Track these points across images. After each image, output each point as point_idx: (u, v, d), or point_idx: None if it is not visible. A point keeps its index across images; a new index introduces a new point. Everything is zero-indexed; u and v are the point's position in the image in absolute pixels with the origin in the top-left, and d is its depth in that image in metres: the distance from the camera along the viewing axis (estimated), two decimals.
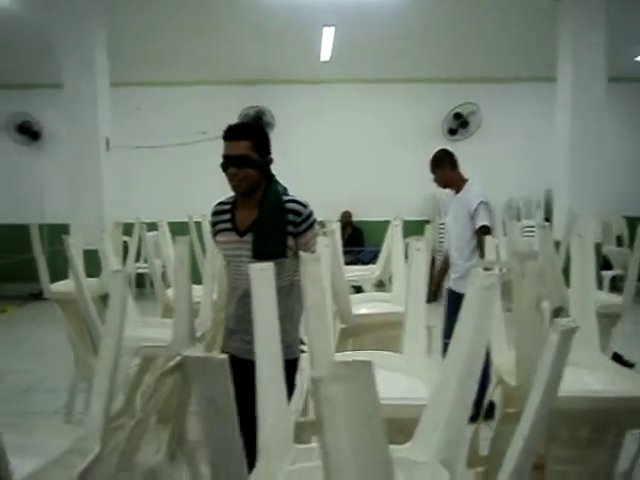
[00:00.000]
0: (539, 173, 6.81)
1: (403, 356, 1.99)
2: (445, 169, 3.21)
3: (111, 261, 2.67)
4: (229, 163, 1.87)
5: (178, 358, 2.20)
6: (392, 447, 1.34)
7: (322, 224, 3.59)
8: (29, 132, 7.17)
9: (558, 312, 2.68)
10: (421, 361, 1.89)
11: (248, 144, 1.86)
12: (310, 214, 1.93)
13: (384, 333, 2.76)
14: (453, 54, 6.06)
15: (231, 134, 1.87)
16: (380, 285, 3.96)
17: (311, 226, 1.94)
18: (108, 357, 1.37)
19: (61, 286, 3.40)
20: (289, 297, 1.92)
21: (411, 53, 5.98)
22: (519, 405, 1.67)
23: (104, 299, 3.04)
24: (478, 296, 1.14)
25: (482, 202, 3.05)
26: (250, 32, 5.27)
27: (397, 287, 2.93)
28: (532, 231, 5.42)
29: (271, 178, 1.96)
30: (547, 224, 3.51)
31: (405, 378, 1.79)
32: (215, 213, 2.05)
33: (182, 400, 2.35)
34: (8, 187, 7.32)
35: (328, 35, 5.28)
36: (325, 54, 5.87)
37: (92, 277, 3.68)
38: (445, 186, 3.28)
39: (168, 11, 4.66)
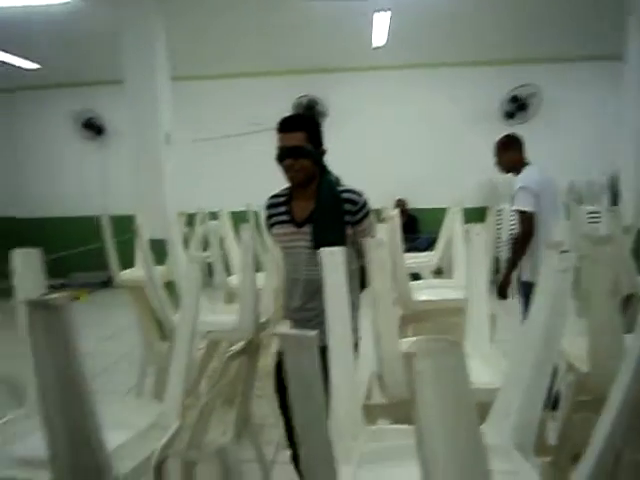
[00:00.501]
0: (603, 157, 6.51)
1: (467, 342, 1.98)
2: (509, 153, 3.15)
3: (178, 250, 2.77)
4: (285, 154, 1.90)
5: (242, 342, 2.29)
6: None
7: (378, 212, 3.59)
8: (94, 128, 7.51)
9: (629, 299, 2.58)
10: (486, 347, 1.87)
11: (303, 135, 1.88)
12: (365, 202, 1.96)
13: (445, 320, 2.74)
14: (511, 34, 5.84)
15: (286, 126, 1.90)
16: (438, 272, 3.92)
17: (367, 214, 1.96)
18: (184, 339, 1.44)
19: (129, 274, 3.57)
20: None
21: (466, 35, 5.83)
22: (592, 392, 1.65)
23: (168, 286, 3.19)
24: (553, 279, 1.12)
25: (521, 187, 2.99)
26: (301, 21, 5.29)
27: (458, 274, 2.90)
28: (596, 217, 5.19)
29: (324, 169, 1.99)
30: (616, 208, 3.36)
31: (471, 363, 1.78)
32: (270, 206, 2.08)
33: (247, 383, 2.44)
34: (75, 181, 7.71)
35: (381, 20, 5.21)
36: (378, 40, 5.80)
37: (157, 265, 3.85)
38: (507, 170, 3.21)
39: (222, 5, 4.74)
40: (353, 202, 1.93)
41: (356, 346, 1.98)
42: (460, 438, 0.62)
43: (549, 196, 3.02)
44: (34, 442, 1.33)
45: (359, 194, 1.96)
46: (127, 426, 1.34)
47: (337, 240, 1.83)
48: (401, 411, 1.61)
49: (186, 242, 4.03)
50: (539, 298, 1.17)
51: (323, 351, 1.81)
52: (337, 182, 2.01)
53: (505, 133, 3.34)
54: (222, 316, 2.33)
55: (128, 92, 4.22)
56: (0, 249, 7.53)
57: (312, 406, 0.74)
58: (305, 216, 1.96)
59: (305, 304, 2.00)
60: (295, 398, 0.75)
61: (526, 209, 2.94)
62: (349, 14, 5.05)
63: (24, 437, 1.34)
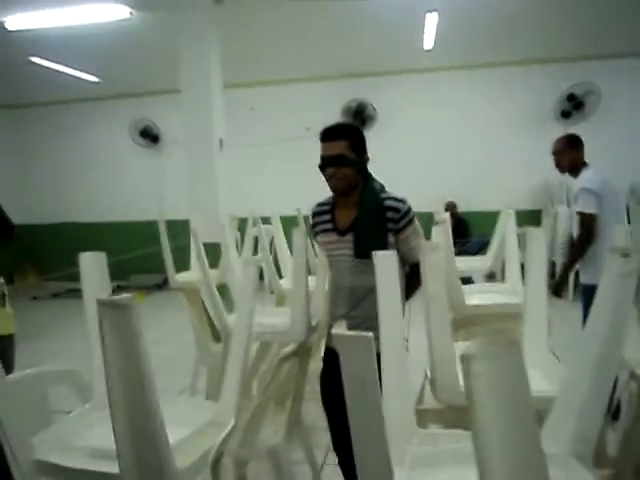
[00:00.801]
0: None
1: (523, 348, 1.93)
2: (573, 152, 3.07)
3: (232, 253, 2.84)
4: (327, 163, 1.90)
5: (293, 345, 2.33)
6: None
7: (429, 216, 3.55)
8: (150, 136, 7.81)
9: None
10: (543, 353, 1.83)
11: (345, 144, 1.88)
12: (409, 210, 1.92)
13: (497, 325, 2.69)
14: (564, 31, 5.65)
15: (328, 135, 1.90)
16: (490, 276, 3.84)
17: (410, 222, 1.93)
18: (240, 340, 1.48)
19: (184, 276, 3.69)
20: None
21: (517, 33, 5.68)
22: None
23: (221, 288, 3.27)
24: (615, 283, 1.09)
25: (583, 188, 2.91)
26: (350, 25, 5.31)
27: (511, 278, 2.84)
28: None
29: (368, 177, 1.98)
30: None
31: (528, 370, 1.74)
32: (315, 214, 2.09)
33: (298, 385, 2.47)
34: (133, 187, 8.04)
35: (431, 22, 5.17)
36: (428, 42, 5.75)
37: (210, 268, 3.96)
38: (568, 171, 3.12)
39: (273, 12, 4.83)
40: (396, 210, 1.90)
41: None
42: (518, 442, 0.61)
43: (611, 198, 2.93)
44: (102, 434, 1.41)
45: (402, 201, 1.93)
46: (184, 423, 1.39)
47: (379, 248, 1.82)
48: (453, 416, 1.59)
49: (237, 246, 4.14)
50: (600, 303, 1.14)
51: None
52: (382, 189, 2.00)
53: (565, 133, 3.25)
54: (274, 318, 2.37)
55: (184, 101, 4.36)
56: (64, 253, 7.91)
57: (368, 407, 0.76)
58: (348, 224, 1.96)
59: (349, 312, 2.00)
60: (351, 399, 0.77)
61: (588, 211, 2.86)
62: (400, 16, 5.04)
63: (92, 429, 1.42)
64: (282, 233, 3.59)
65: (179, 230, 4.07)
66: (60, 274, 5.28)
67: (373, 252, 1.36)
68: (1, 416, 1.10)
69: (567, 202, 6.44)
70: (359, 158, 1.92)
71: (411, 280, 1.98)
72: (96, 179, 8.17)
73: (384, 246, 1.85)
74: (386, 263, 1.24)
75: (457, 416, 1.55)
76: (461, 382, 1.54)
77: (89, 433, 1.40)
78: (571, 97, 6.42)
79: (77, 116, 8.05)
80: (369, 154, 1.99)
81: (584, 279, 3.01)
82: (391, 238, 1.90)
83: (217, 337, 3.82)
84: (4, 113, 8.12)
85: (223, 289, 3.33)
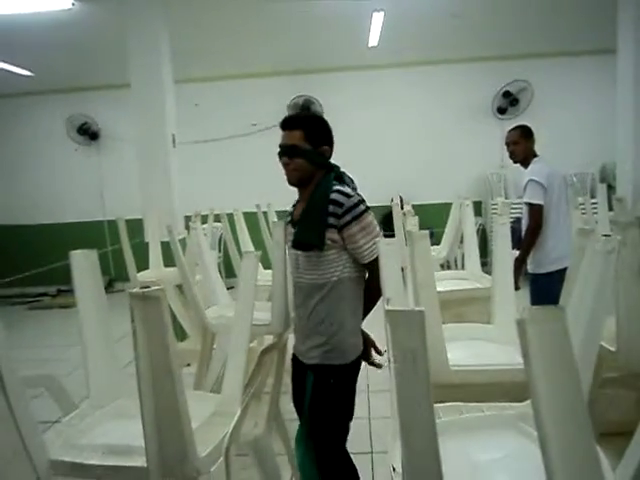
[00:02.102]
0: (593, 149, 6.70)
1: (494, 327, 2.07)
2: (529, 143, 3.24)
3: (205, 248, 2.83)
4: (281, 153, 1.86)
5: (273, 338, 2.36)
6: (511, 404, 1.45)
7: (380, 210, 3.66)
8: (88, 133, 7.50)
9: None
10: (513, 331, 1.97)
11: (299, 134, 1.82)
12: (354, 206, 1.76)
13: (459, 309, 2.85)
14: (501, 31, 5.97)
15: (285, 124, 1.87)
16: (443, 265, 4.02)
17: (356, 219, 1.76)
18: (242, 332, 1.51)
19: (145, 275, 3.63)
20: (334, 296, 1.81)
21: (458, 33, 5.94)
22: (619, 370, 1.75)
23: (180, 288, 3.23)
24: (599, 261, 1.21)
25: (531, 180, 3.08)
26: (298, 22, 5.35)
27: (470, 265, 3.01)
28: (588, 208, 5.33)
29: (330, 169, 1.89)
30: (623, 197, 3.47)
31: (502, 347, 1.88)
32: (292, 207, 2.05)
33: (277, 377, 2.51)
34: (70, 186, 7.69)
35: (377, 20, 5.31)
36: (373, 39, 5.90)
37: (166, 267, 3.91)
38: (519, 161, 3.29)
39: (218, 7, 4.78)
40: (338, 204, 1.76)
41: (340, 367, 1.85)
42: (564, 390, 0.70)
43: (557, 188, 3.12)
44: (107, 432, 1.40)
45: (348, 196, 1.78)
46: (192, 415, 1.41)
47: (313, 241, 1.78)
48: (443, 392, 1.70)
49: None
50: (584, 279, 1.26)
51: (321, 371, 1.83)
52: (347, 183, 1.90)
53: (517, 124, 3.41)
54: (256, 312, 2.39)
55: (134, 96, 4.25)
56: (1, 256, 7.44)
57: (418, 380, 0.82)
58: (298, 216, 1.90)
59: (297, 308, 1.94)
60: (400, 372, 0.83)
61: (535, 202, 3.04)
62: (348, 14, 5.13)
63: (95, 428, 1.41)
64: (245, 228, 3.60)
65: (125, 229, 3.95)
66: None
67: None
68: (15, 415, 1.08)
69: (505, 194, 6.82)
70: (313, 150, 1.84)
71: (368, 289, 1.86)
72: (30, 178, 7.74)
73: (320, 240, 1.77)
74: (389, 250, 1.30)
75: (446, 393, 1.65)
76: (450, 362, 1.65)
77: (93, 432, 1.39)
78: (507, 94, 6.79)
79: (8, 112, 7.59)
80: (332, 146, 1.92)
81: (531, 268, 3.18)
82: (335, 234, 1.77)
83: (179, 336, 3.79)
84: None
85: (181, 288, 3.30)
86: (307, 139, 1.83)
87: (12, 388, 1.12)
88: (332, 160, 1.94)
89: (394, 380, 0.86)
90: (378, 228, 1.82)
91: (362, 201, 1.80)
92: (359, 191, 1.90)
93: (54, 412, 1.92)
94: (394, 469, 1.16)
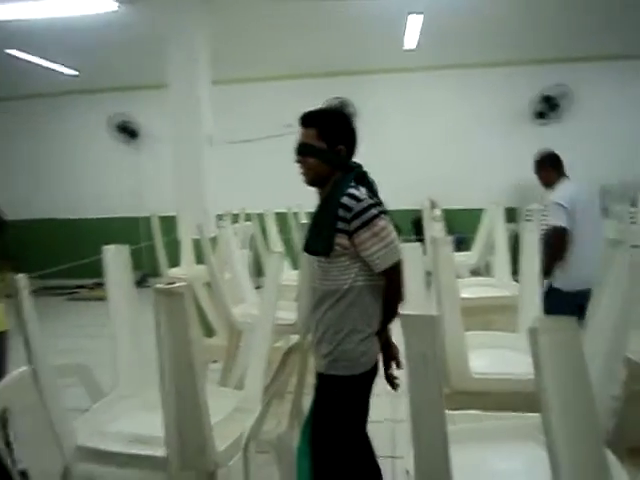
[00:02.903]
0: (636, 156, 6.49)
1: (519, 335, 2.04)
2: (543, 172, 3.22)
3: (233, 246, 2.88)
4: (296, 151, 1.77)
5: (297, 338, 2.39)
6: (531, 415, 1.43)
7: (412, 213, 3.62)
8: (128, 131, 7.71)
9: None
10: None
11: (312, 132, 1.72)
12: (363, 210, 1.64)
13: (487, 317, 2.81)
14: (543, 34, 5.84)
15: (302, 121, 1.77)
16: (474, 272, 3.97)
17: (365, 225, 1.64)
18: (264, 331, 1.54)
19: (175, 272, 3.71)
20: (344, 304, 1.70)
21: (496, 36, 5.85)
22: None
23: (210, 285, 3.29)
24: (627, 272, 1.19)
25: (554, 202, 3.01)
26: (334, 24, 5.37)
27: (500, 272, 2.97)
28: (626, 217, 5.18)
29: (349, 170, 1.77)
30: None
31: (526, 356, 1.85)
32: None
33: (301, 378, 2.54)
34: (110, 183, 7.92)
35: (414, 23, 5.28)
36: (409, 42, 5.87)
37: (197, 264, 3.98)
38: (545, 186, 3.27)
39: (255, 9, 4.85)
40: (347, 208, 1.64)
41: (346, 379, 1.73)
42: (575, 396, 0.70)
43: (581, 208, 3.04)
44: (132, 421, 1.45)
45: (358, 200, 1.65)
46: (212, 410, 1.45)
47: (320, 247, 1.69)
48: (463, 400, 1.69)
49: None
50: (609, 290, 1.24)
51: (326, 380, 1.73)
52: (371, 186, 1.78)
53: (541, 150, 3.38)
54: (280, 312, 2.43)
55: (172, 96, 4.35)
56: (41, 250, 7.74)
57: (429, 382, 0.83)
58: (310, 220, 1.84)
59: (311, 313, 1.83)
60: (412, 374, 0.84)
61: (558, 224, 2.97)
62: (382, 16, 5.13)
63: (121, 417, 1.46)
64: (275, 228, 3.64)
65: (162, 226, 4.05)
66: (42, 272, 5.19)
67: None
68: (46, 402, 1.13)
69: (541, 201, 6.66)
70: (328, 149, 1.72)
71: (386, 299, 1.72)
72: (73, 175, 8.03)
73: (327, 245, 1.67)
74: (414, 255, 1.31)
75: (466, 400, 1.64)
76: (472, 369, 1.64)
77: (119, 421, 1.44)
78: (546, 98, 6.64)
79: (54, 110, 7.88)
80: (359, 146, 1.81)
81: (555, 284, 3.10)
82: (344, 239, 1.66)
83: (207, 332, 3.86)
84: None
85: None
86: (322, 137, 1.72)
87: (44, 378, 1.18)
88: (361, 161, 1.82)
89: (407, 382, 0.87)
90: (394, 234, 1.68)
91: (374, 205, 1.67)
92: (386, 194, 1.80)
93: (86, 401, 2.00)
94: (408, 472, 1.17)
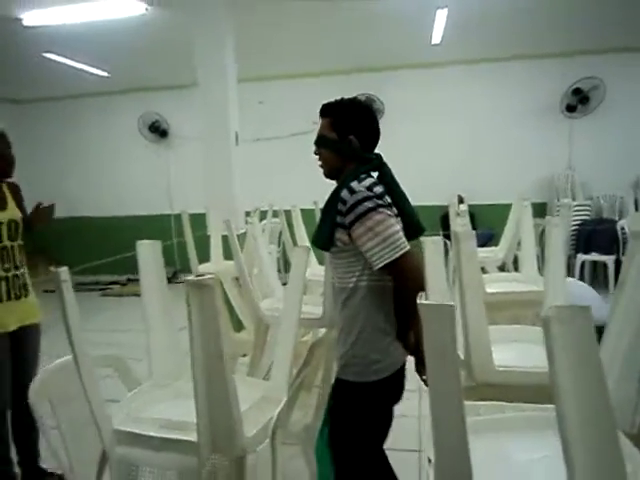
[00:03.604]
0: None
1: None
2: None
3: (260, 243, 2.95)
4: (314, 143, 1.73)
5: (324, 331, 2.44)
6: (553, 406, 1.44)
7: (441, 208, 3.59)
8: (158, 130, 7.88)
9: None
10: None
11: (327, 122, 1.68)
12: (356, 203, 1.53)
13: (514, 312, 2.80)
14: (572, 25, 5.73)
15: (320, 111, 1.72)
16: (501, 268, 3.94)
17: (359, 218, 1.53)
18: (290, 324, 1.59)
19: (205, 268, 3.80)
20: (352, 304, 1.63)
21: (524, 29, 5.76)
22: None
23: (238, 280, 3.35)
24: None
25: None
26: (360, 20, 5.38)
27: (527, 267, 2.96)
28: None
29: (363, 161, 1.69)
30: None
31: None
32: None
33: (327, 371, 2.58)
34: (141, 182, 8.12)
35: (440, 17, 5.26)
36: (436, 37, 5.84)
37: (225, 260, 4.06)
38: None
39: (280, 8, 4.90)
40: (343, 201, 1.56)
41: (355, 385, 1.64)
42: (589, 389, 0.72)
43: None
44: (166, 408, 1.52)
45: (353, 192, 1.55)
46: (241, 399, 1.51)
47: (319, 242, 1.66)
48: (487, 392, 1.70)
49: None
50: (635, 280, 1.24)
51: (338, 384, 1.69)
52: (391, 178, 1.72)
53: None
54: (307, 306, 2.48)
55: (200, 95, 4.44)
56: (75, 246, 7.94)
57: (448, 374, 0.86)
58: None
59: (334, 310, 1.78)
60: (431, 366, 0.87)
61: None
62: (412, 11, 5.12)
63: (155, 404, 1.53)
64: (302, 225, 3.69)
65: (191, 224, 4.14)
66: (76, 269, 5.37)
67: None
68: (86, 389, 1.20)
69: (572, 195, 6.55)
70: (338, 139, 1.65)
71: (396, 301, 1.63)
72: (105, 173, 8.26)
73: (325, 240, 1.62)
74: (435, 249, 1.33)
75: (491, 392, 1.66)
76: (495, 362, 1.66)
77: (153, 408, 1.51)
78: (577, 91, 6.52)
79: (87, 111, 8.13)
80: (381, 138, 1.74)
81: None
82: (344, 235, 1.58)
83: (236, 327, 3.94)
84: (15, 108, 8.19)
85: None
86: (334, 128, 1.66)
87: (84, 367, 1.25)
88: (388, 157, 1.74)
89: (427, 372, 0.90)
90: (393, 229, 1.53)
91: (369, 197, 1.54)
92: (415, 190, 1.82)
93: (121, 392, 2.09)
94: (430, 460, 1.20)
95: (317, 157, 1.73)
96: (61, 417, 1.45)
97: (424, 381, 1.58)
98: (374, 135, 1.73)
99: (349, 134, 1.65)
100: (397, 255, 1.50)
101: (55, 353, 1.59)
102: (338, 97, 1.71)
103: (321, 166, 1.73)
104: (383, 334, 1.62)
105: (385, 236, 1.51)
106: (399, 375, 1.70)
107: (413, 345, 1.66)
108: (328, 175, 1.73)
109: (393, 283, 1.58)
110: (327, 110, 1.69)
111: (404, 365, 1.72)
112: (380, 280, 1.60)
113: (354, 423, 1.67)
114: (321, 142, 1.69)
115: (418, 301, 0.84)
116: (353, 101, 1.71)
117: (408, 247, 1.53)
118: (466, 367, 1.72)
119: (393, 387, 1.68)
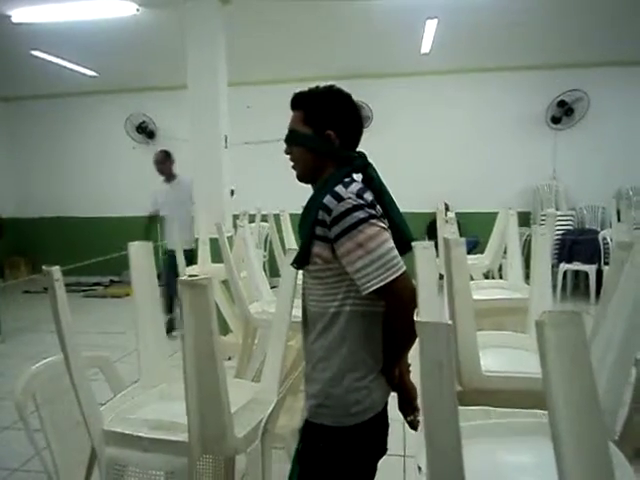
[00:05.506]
0: None
1: (529, 336, 2.08)
2: None
3: (251, 246, 2.95)
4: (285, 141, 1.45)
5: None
6: (542, 412, 1.47)
7: (427, 216, 3.62)
8: (146, 132, 7.83)
9: None
10: None
11: (299, 115, 1.40)
12: (345, 213, 1.24)
13: (499, 319, 2.84)
14: (558, 39, 5.84)
15: (291, 103, 1.43)
16: (486, 275, 4.00)
17: (347, 231, 1.24)
18: (281, 327, 1.60)
19: (191, 271, 3.79)
20: (332, 333, 1.31)
21: (512, 41, 5.86)
22: None
23: (225, 283, 3.35)
24: (635, 274, 1.22)
25: None
26: (349, 27, 5.43)
27: (513, 275, 3.00)
28: None
29: (345, 162, 1.39)
30: None
31: (535, 355, 1.87)
32: None
33: None
34: (127, 183, 8.04)
35: (430, 27, 5.32)
36: (425, 46, 5.91)
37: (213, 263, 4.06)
38: None
39: (274, 12, 4.91)
40: (326, 209, 1.26)
41: (325, 429, 1.32)
42: (579, 394, 0.74)
43: None
44: (154, 409, 1.51)
45: (340, 199, 1.26)
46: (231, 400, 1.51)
47: (298, 258, 1.35)
48: (475, 397, 1.72)
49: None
50: (623, 287, 1.27)
51: (309, 428, 1.31)
52: (379, 184, 1.40)
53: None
54: (298, 310, 2.48)
55: (191, 98, 4.44)
56: (56, 247, 7.85)
57: (443, 390, 0.87)
58: None
59: (303, 341, 1.44)
60: (427, 382, 0.88)
61: None
62: (402, 21, 5.17)
63: (144, 406, 1.53)
64: (291, 229, 3.70)
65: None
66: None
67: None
68: (77, 387, 1.19)
69: (556, 205, 6.66)
70: (314, 134, 1.37)
71: (385, 330, 1.34)
72: (91, 173, 8.17)
73: (302, 256, 1.33)
74: (426, 255, 1.31)
75: (478, 398, 1.68)
76: (483, 368, 1.68)
77: (142, 409, 1.50)
78: (561, 103, 6.64)
79: (73, 110, 8.04)
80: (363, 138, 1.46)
81: None
82: (325, 250, 1.28)
83: (222, 330, 3.94)
84: (2, 105, 8.08)
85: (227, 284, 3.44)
86: (308, 121, 1.38)
87: (75, 366, 1.25)
88: (377, 164, 1.45)
89: (421, 388, 0.91)
90: (387, 245, 1.25)
91: (360, 207, 1.25)
92: (402, 197, 1.54)
93: (103, 395, 2.07)
94: (420, 469, 1.20)
95: (288, 157, 1.45)
96: (46, 417, 1.44)
97: (409, 423, 1.47)
98: (356, 129, 1.43)
99: (326, 129, 1.36)
100: (392, 277, 1.23)
101: (30, 355, 1.57)
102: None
103: (293, 167, 1.44)
104: (366, 370, 1.32)
105: (379, 254, 1.23)
106: (381, 417, 1.39)
107: (397, 379, 1.42)
108: (302, 178, 1.43)
109: (384, 309, 1.31)
110: (299, 101, 1.41)
111: (386, 405, 1.41)
112: (368, 305, 1.31)
113: (328, 476, 1.35)
114: (293, 139, 1.41)
115: (415, 319, 0.84)
116: (330, 89, 1.43)
117: (404, 268, 1.26)
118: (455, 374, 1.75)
119: (375, 431, 1.38)
